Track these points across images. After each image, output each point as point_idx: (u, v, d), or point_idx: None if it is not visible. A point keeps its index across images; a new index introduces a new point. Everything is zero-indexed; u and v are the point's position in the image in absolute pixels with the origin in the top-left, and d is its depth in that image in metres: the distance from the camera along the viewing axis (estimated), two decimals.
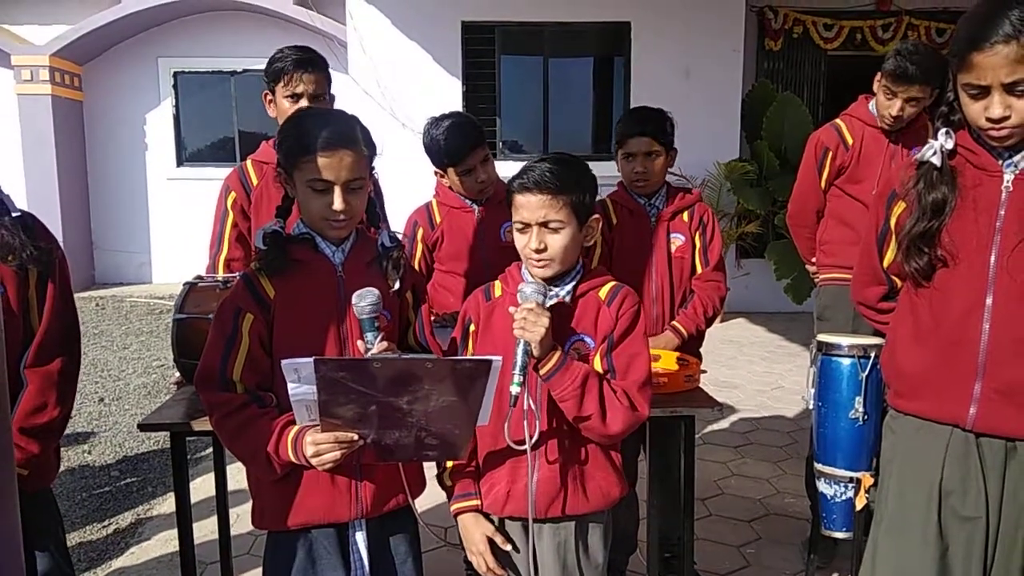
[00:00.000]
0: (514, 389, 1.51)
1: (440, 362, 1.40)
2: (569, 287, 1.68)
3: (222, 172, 2.62)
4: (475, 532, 1.71)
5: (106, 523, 3.36)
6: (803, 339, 6.57)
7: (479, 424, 1.50)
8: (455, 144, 2.42)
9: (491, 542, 1.71)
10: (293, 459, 1.51)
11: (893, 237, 1.69)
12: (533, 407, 1.61)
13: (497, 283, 1.77)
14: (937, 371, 1.57)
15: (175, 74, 9.63)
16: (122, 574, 2.93)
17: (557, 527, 1.71)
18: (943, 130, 1.56)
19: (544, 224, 1.61)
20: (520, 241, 1.65)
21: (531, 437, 1.58)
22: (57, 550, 1.81)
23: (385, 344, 1.52)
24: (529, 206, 1.61)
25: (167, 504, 3.52)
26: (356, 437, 1.45)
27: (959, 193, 1.55)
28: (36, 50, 8.83)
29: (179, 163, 9.80)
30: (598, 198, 1.88)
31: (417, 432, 1.45)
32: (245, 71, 9.43)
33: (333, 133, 1.55)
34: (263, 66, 2.47)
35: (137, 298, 8.75)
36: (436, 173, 2.55)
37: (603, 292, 1.70)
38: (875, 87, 2.79)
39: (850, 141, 2.86)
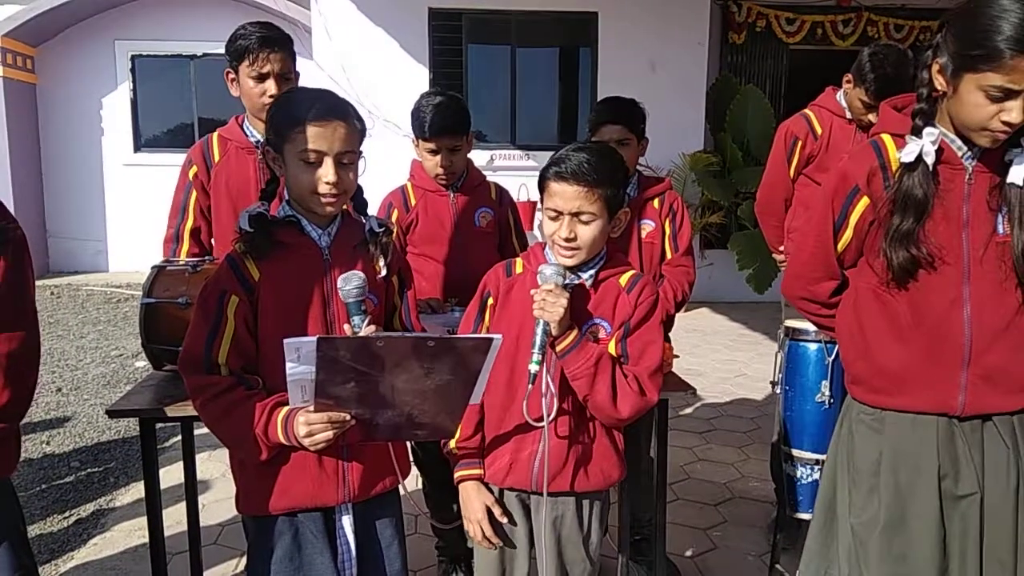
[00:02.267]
0: (533, 367, 1.56)
1: (441, 340, 1.39)
2: (591, 272, 1.71)
3: (180, 159, 2.55)
4: (476, 500, 1.75)
5: (67, 514, 3.28)
6: (765, 328, 6.71)
7: (471, 403, 1.50)
8: (434, 120, 2.41)
9: (489, 513, 1.74)
10: (283, 440, 1.49)
11: (848, 230, 1.64)
12: (551, 385, 1.64)
13: (518, 260, 1.81)
14: (923, 365, 1.57)
15: (133, 57, 9.39)
16: (84, 567, 2.87)
17: (556, 501, 1.75)
18: (927, 129, 1.52)
19: (576, 215, 1.63)
20: (550, 228, 1.67)
21: (549, 414, 1.62)
22: (17, 543, 1.70)
23: (372, 328, 1.51)
24: (564, 195, 1.63)
25: (129, 494, 3.45)
26: (348, 417, 1.44)
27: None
28: None
29: (136, 149, 9.58)
30: None
31: (409, 411, 1.45)
32: (205, 55, 9.23)
33: (326, 104, 1.55)
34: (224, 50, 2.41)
35: (93, 286, 8.52)
36: (414, 142, 2.53)
37: (623, 280, 1.74)
38: (845, 87, 2.85)
39: (819, 131, 2.92)
